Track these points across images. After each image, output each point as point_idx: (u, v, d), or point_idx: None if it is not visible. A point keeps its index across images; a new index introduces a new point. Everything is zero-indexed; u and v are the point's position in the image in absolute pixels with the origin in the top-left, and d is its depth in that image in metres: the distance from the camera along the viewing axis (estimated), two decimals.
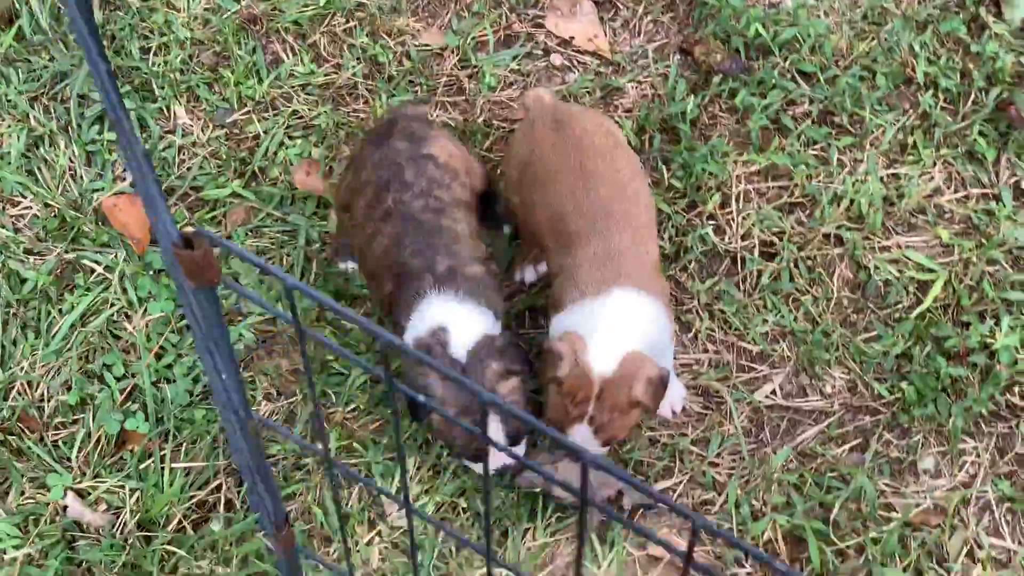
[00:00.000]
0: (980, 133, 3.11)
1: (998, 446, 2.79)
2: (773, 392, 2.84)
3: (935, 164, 3.08)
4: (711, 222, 3.00)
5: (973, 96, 3.16)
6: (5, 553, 2.62)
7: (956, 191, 3.06)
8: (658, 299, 2.56)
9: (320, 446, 2.25)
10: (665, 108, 3.13)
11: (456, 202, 2.68)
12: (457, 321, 2.53)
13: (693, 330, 2.89)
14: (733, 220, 3.00)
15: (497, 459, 2.60)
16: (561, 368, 2.47)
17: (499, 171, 2.92)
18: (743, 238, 2.98)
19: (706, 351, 2.88)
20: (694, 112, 3.12)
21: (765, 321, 2.90)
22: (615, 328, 2.49)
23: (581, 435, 2.50)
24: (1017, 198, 3.05)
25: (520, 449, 2.61)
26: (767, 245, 2.98)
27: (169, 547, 2.63)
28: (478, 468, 2.66)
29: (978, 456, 2.78)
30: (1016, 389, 2.81)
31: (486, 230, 2.84)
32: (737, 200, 3.02)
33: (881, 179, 3.04)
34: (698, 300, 2.92)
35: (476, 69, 3.24)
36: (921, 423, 2.79)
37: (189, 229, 1.22)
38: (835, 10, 3.29)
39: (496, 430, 2.52)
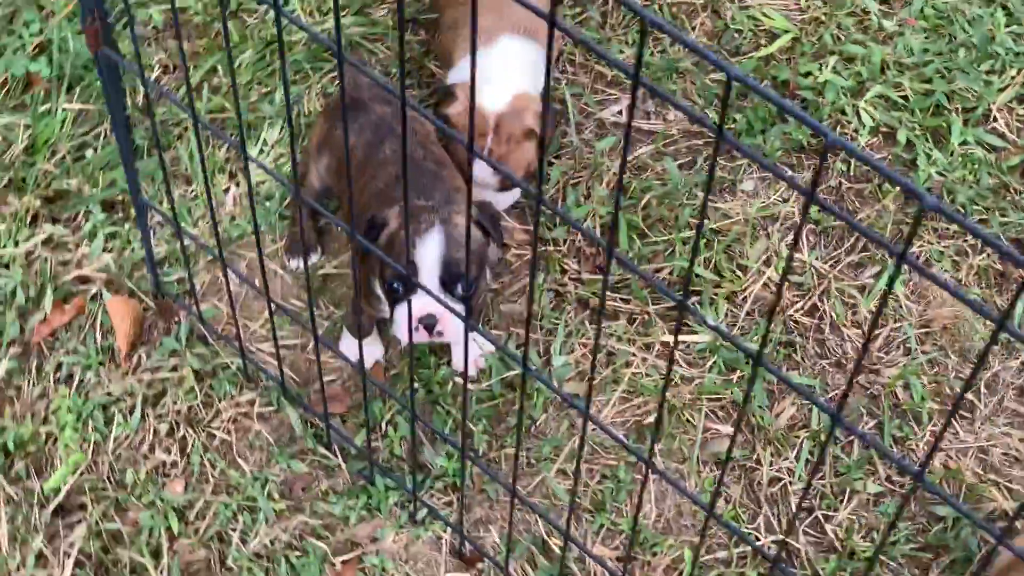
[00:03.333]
0: None
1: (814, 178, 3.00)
2: (619, 112, 3.08)
3: None
4: None
5: None
6: None
7: None
8: (543, 43, 2.81)
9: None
10: None
11: (446, 162, 2.67)
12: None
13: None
14: None
15: (421, 305, 2.31)
16: (453, 107, 2.71)
17: None
18: None
19: (564, 72, 3.13)
20: None
21: (621, 52, 3.14)
22: (504, 73, 2.73)
23: (481, 172, 2.72)
24: None
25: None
26: None
27: (49, 168, 2.93)
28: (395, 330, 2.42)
29: None
30: (838, 129, 3.03)
31: None
32: None
33: None
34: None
35: None
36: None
37: None
38: None
39: (431, 256, 2.31)
